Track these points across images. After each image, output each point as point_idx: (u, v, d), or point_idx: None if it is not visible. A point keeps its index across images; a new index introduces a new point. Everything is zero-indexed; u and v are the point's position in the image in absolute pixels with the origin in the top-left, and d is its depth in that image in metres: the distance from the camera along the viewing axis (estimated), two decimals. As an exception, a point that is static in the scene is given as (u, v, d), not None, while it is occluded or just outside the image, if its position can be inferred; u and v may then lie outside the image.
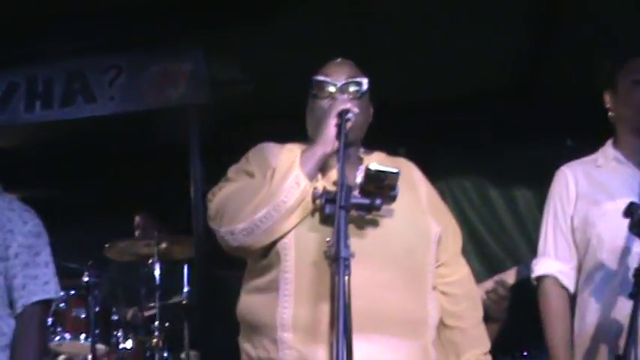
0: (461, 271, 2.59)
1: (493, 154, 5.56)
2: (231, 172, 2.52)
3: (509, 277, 3.54)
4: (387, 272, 2.29)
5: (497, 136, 5.45)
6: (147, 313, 5.41)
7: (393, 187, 2.22)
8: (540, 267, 2.93)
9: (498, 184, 5.73)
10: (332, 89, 2.47)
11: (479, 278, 3.26)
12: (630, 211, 2.37)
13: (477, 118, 5.60)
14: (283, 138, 2.57)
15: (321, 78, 2.50)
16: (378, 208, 2.23)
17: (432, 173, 2.70)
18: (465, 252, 2.65)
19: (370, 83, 2.52)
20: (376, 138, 2.58)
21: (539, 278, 2.92)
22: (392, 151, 2.66)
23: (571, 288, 2.88)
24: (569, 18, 4.48)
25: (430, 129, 5.59)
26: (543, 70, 5.09)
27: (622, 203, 2.45)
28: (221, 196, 2.41)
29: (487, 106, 5.51)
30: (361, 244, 2.21)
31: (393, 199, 2.24)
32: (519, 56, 5.02)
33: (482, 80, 5.24)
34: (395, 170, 2.20)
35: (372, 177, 2.20)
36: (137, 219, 6.16)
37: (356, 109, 2.35)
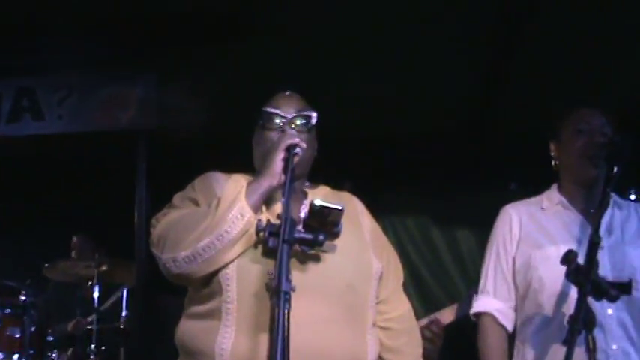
0: (402, 307, 2.61)
1: (437, 194, 5.61)
2: (177, 199, 2.51)
3: (445, 315, 3.57)
4: (327, 307, 2.30)
5: (442, 177, 5.50)
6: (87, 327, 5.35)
7: (336, 224, 2.24)
8: (479, 304, 2.97)
9: (441, 224, 5.79)
10: (281, 122, 2.48)
11: (417, 317, 3.29)
12: (568, 259, 2.41)
13: (423, 158, 5.65)
14: (230, 168, 2.57)
15: (270, 110, 2.51)
16: (320, 244, 2.24)
17: (376, 210, 2.71)
18: (405, 290, 2.67)
19: (319, 117, 2.54)
20: (323, 171, 2.60)
21: (478, 315, 2.96)
22: (338, 185, 2.67)
23: (509, 326, 2.92)
24: (518, 66, 4.57)
25: (376, 165, 5.63)
26: (491, 114, 5.18)
27: (564, 248, 2.48)
28: (165, 222, 2.41)
29: (434, 146, 5.57)
30: (303, 278, 2.22)
31: (336, 235, 2.26)
32: (469, 100, 5.10)
33: (431, 120, 5.30)
34: (339, 207, 2.21)
35: (316, 213, 2.21)
36: (74, 239, 6.10)
37: (304, 145, 2.37)
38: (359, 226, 2.54)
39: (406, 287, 2.70)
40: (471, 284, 5.53)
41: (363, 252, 2.46)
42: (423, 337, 3.36)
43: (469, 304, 3.06)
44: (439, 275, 5.78)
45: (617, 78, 4.54)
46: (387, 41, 4.47)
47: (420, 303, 5.46)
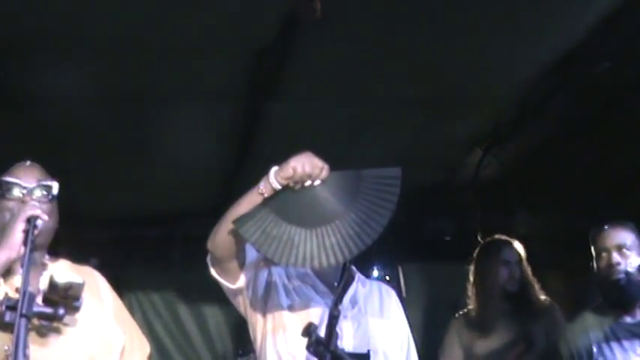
0: None
1: (183, 270, 5.59)
2: None
3: None
4: None
5: (187, 253, 5.49)
6: None
7: (77, 298, 2.22)
8: None
9: (188, 300, 5.79)
10: (21, 192, 2.43)
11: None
12: (308, 331, 2.45)
13: (169, 235, 5.67)
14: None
15: (10, 180, 2.46)
16: (60, 318, 2.21)
17: (122, 286, 2.70)
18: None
19: (66, 191, 2.51)
20: (68, 246, 2.56)
21: None
22: (83, 261, 2.63)
23: None
24: (262, 141, 4.70)
25: (122, 242, 5.56)
26: (236, 192, 5.25)
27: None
28: None
29: (179, 223, 5.60)
30: (42, 353, 2.20)
31: (76, 309, 2.24)
32: (214, 177, 5.17)
33: (176, 198, 5.35)
34: (80, 281, 2.20)
35: (56, 287, 2.18)
36: None
37: (45, 217, 2.33)
38: (101, 300, 2.53)
39: (153, 363, 2.69)
40: (218, 359, 5.58)
41: (104, 325, 2.45)
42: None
43: None
44: (186, 351, 5.75)
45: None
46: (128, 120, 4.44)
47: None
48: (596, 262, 3.57)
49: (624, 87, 4.40)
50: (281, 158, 2.69)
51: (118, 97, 4.15)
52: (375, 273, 5.80)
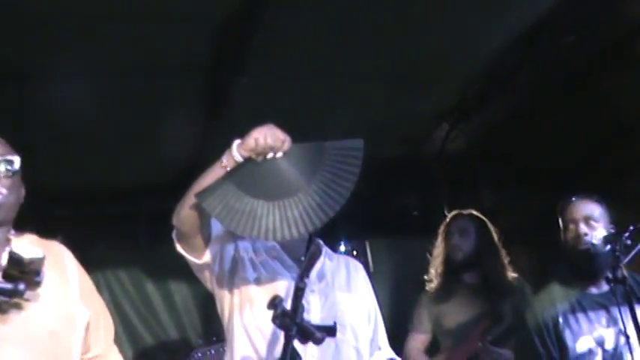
0: (112, 357, 2.60)
1: (150, 247, 5.58)
2: None
3: None
4: (30, 357, 2.24)
5: (154, 230, 5.46)
6: None
7: (37, 273, 2.20)
8: None
9: (155, 277, 5.77)
10: None
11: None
12: (273, 303, 2.45)
13: (135, 211, 5.64)
14: None
15: None
16: (21, 294, 2.18)
17: (89, 263, 2.67)
18: (119, 344, 2.67)
19: (29, 166, 2.47)
20: (35, 224, 2.52)
21: None
22: (49, 237, 2.60)
23: None
24: (227, 115, 4.65)
25: (89, 218, 5.51)
26: (201, 167, 5.22)
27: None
28: None
29: (145, 199, 5.56)
30: (3, 329, 2.17)
31: (37, 284, 2.22)
32: (179, 152, 5.13)
33: (142, 174, 5.31)
34: (40, 255, 2.17)
35: (16, 261, 2.16)
36: None
37: (4, 190, 2.31)
38: (65, 275, 2.49)
39: (120, 342, 2.69)
40: (186, 335, 5.58)
41: (67, 301, 2.42)
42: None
43: None
44: (154, 327, 5.73)
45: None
46: (106, 94, 4.39)
47: (133, 354, 5.38)
48: (564, 233, 3.60)
49: (590, 60, 4.42)
50: (246, 133, 2.68)
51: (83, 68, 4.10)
52: (343, 248, 5.81)
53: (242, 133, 2.70)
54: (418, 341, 4.65)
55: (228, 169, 2.68)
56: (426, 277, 4.65)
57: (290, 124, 2.70)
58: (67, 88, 4.23)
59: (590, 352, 3.46)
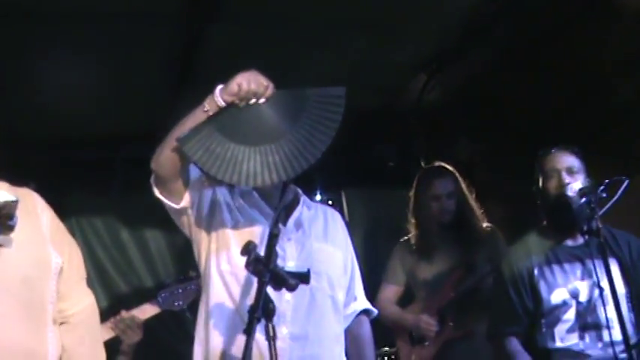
0: (83, 301, 2.59)
1: (124, 194, 5.56)
2: None
3: (144, 312, 3.74)
4: (2, 303, 2.23)
5: (128, 177, 5.42)
6: None
7: (10, 217, 2.18)
8: None
9: (129, 224, 5.75)
10: None
11: (105, 316, 3.28)
12: (247, 249, 2.43)
13: (109, 158, 5.60)
14: None
15: None
16: (-7, 238, 2.16)
17: (63, 210, 2.66)
18: (91, 289, 2.65)
19: (3, 115, 2.44)
20: (7, 171, 2.50)
21: None
22: (23, 184, 2.57)
23: None
24: (203, 63, 4.62)
25: (62, 166, 5.46)
26: (177, 114, 5.19)
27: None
28: None
29: (120, 146, 5.52)
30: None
31: (11, 228, 2.20)
32: (155, 99, 5.08)
33: (117, 121, 5.26)
34: (13, 199, 2.15)
35: (-11, 205, 2.12)
36: None
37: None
38: (38, 221, 2.47)
39: (94, 289, 2.67)
40: (160, 282, 5.58)
41: (40, 246, 2.41)
42: (119, 328, 3.60)
43: None
44: (128, 275, 5.74)
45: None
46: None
47: (108, 303, 5.38)
48: (545, 183, 3.61)
49: (566, 13, 4.40)
50: (222, 80, 2.66)
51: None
52: (318, 197, 5.80)
53: (218, 81, 2.68)
54: (390, 292, 4.70)
55: (211, 113, 2.67)
56: (409, 229, 4.67)
57: (265, 72, 2.68)
58: (43, 33, 4.17)
59: (565, 303, 3.50)
